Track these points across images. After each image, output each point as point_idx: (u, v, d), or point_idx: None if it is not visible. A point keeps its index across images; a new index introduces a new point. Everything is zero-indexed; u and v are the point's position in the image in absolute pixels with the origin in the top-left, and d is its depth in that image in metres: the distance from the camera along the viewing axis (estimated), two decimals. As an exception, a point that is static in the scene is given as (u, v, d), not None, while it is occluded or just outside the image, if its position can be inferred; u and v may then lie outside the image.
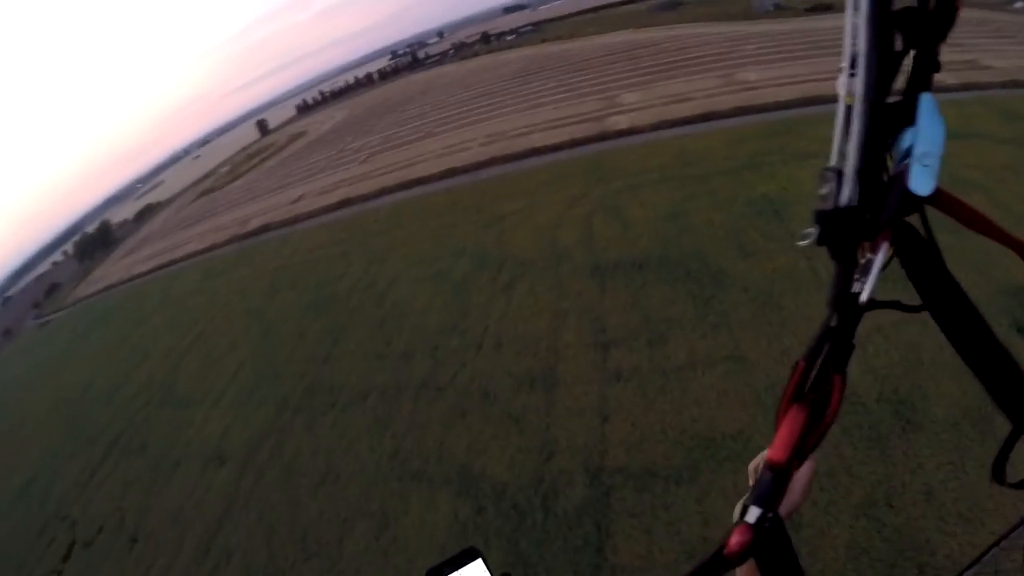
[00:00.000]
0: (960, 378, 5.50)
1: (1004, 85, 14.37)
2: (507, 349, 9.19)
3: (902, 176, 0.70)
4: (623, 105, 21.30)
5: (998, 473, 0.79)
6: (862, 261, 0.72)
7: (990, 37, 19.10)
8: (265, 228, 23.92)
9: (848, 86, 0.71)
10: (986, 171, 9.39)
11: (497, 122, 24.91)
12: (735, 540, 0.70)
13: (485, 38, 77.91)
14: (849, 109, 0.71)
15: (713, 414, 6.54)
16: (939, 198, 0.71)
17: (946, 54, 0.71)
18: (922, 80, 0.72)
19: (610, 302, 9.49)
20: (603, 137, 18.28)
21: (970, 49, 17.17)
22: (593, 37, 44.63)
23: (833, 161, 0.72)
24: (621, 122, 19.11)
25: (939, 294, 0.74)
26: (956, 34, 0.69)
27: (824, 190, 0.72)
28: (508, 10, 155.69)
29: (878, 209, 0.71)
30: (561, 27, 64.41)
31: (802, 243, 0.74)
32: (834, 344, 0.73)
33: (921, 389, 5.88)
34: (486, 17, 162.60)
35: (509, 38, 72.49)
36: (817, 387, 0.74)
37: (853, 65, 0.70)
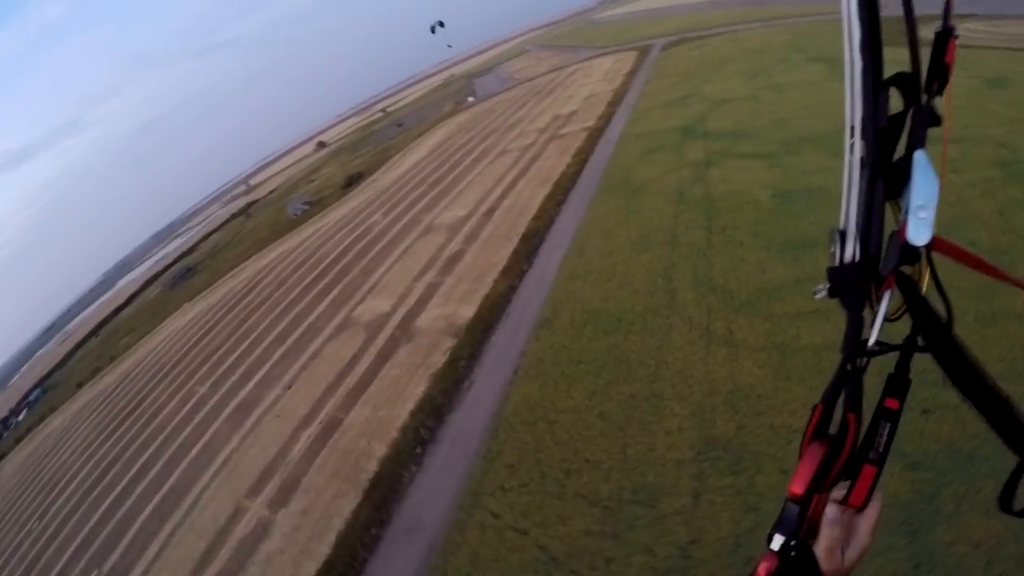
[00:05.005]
0: None
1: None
2: None
3: (901, 229, 0.81)
4: (398, 310, 16.55)
5: (1005, 502, 0.93)
6: (876, 308, 0.85)
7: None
8: None
9: (849, 152, 0.83)
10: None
11: (228, 475, 13.68)
12: (763, 567, 0.82)
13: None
14: (851, 173, 0.83)
15: None
16: (937, 245, 0.83)
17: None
18: (919, 137, 0.85)
19: None
20: (487, 326, 13.50)
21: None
22: (158, 331, 33.43)
23: (841, 222, 0.85)
24: (460, 314, 14.76)
25: (936, 338, 0.87)
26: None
27: (832, 248, 0.86)
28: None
29: (878, 262, 0.83)
30: (84, 362, 44.06)
31: (816, 296, 0.88)
32: (848, 387, 0.86)
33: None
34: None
35: (22, 417, 44.85)
36: (830, 426, 0.88)
37: (853, 133, 0.82)
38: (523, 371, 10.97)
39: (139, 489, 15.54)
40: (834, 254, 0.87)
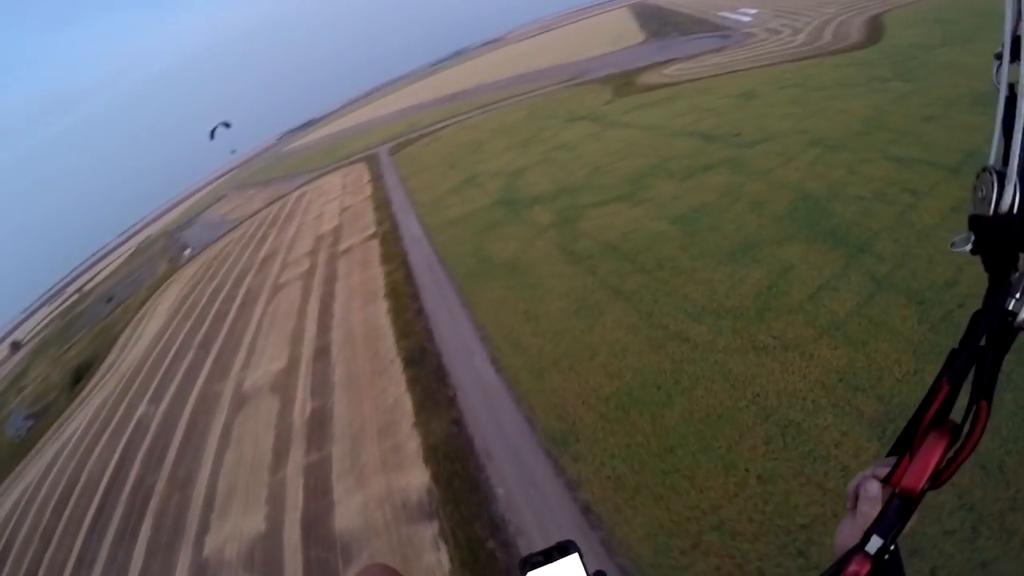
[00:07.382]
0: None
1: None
2: None
3: None
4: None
5: None
6: (1017, 274, 0.70)
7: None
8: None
9: (1009, 75, 0.69)
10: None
11: None
12: (853, 570, 0.72)
13: None
14: (1011, 101, 0.69)
15: None
16: None
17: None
18: None
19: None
20: (471, 485, 9.85)
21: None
22: None
23: (992, 160, 0.71)
24: (405, 485, 10.70)
25: None
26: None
27: (981, 192, 0.70)
28: None
29: None
30: None
31: (955, 250, 0.73)
32: (982, 367, 0.73)
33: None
34: None
35: None
36: (948, 411, 0.74)
37: (1015, 48, 0.69)
38: (604, 505, 8.24)
39: None
40: (983, 200, 0.70)
